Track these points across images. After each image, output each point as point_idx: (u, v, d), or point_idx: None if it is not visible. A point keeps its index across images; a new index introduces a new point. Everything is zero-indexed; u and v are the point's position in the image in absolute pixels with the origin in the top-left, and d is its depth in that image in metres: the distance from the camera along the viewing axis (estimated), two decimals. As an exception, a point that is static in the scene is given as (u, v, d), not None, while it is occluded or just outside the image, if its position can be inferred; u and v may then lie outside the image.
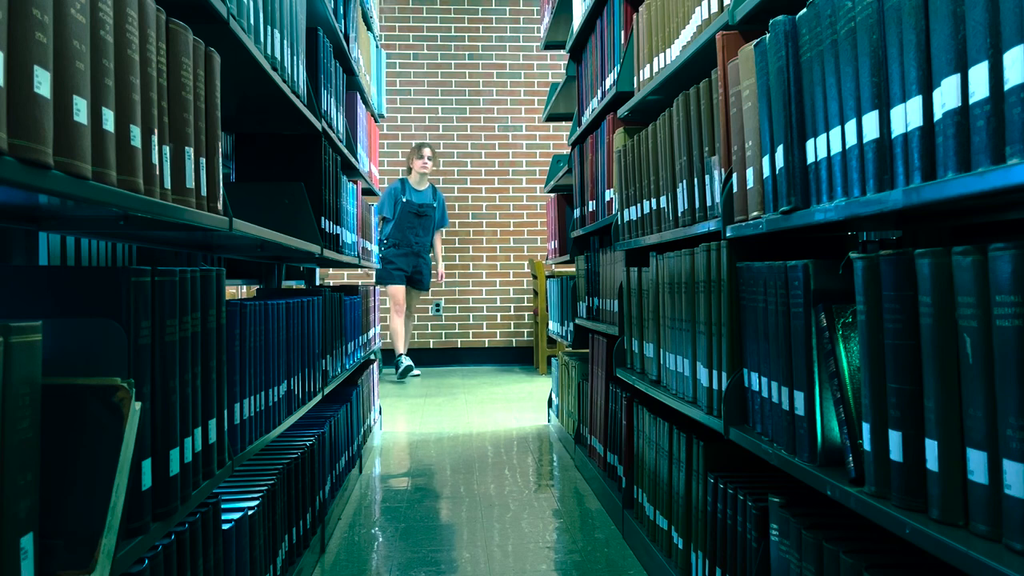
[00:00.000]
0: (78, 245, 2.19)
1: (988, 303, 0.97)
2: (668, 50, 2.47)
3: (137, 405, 1.10)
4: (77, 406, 1.07)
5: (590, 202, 3.80)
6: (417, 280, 7.28)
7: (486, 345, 8.19)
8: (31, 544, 0.92)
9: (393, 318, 7.21)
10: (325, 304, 2.99)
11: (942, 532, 1.02)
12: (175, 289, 1.36)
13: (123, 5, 1.15)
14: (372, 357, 4.83)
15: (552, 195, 5.62)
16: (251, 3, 2.00)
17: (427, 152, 7.31)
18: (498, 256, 8.22)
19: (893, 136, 1.13)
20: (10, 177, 0.86)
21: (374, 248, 5.23)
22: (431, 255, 7.41)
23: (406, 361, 7.24)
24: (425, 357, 7.99)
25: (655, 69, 2.61)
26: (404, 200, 7.11)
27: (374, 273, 7.20)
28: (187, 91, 1.42)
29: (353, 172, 4.31)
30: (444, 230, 7.70)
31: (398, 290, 7.16)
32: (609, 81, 3.36)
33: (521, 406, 5.72)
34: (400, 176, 7.43)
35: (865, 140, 1.20)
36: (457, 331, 8.15)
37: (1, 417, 0.88)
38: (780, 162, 1.49)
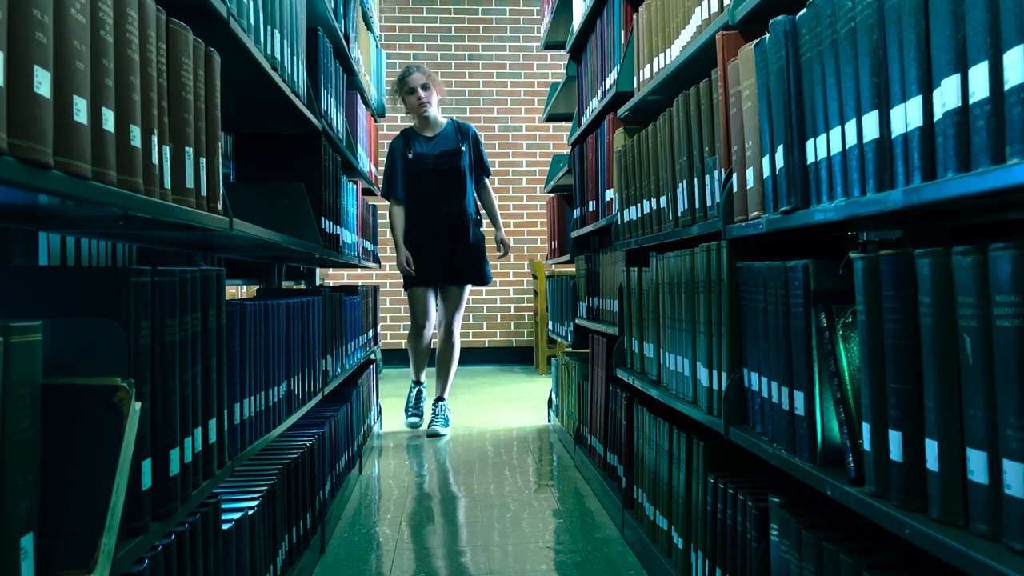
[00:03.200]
0: (78, 245, 2.19)
1: (988, 303, 0.97)
2: (668, 50, 2.46)
3: (137, 405, 1.10)
4: (77, 406, 1.07)
5: (590, 202, 3.80)
6: (462, 271, 4.73)
7: (486, 345, 8.19)
8: (31, 544, 0.92)
9: (409, 336, 4.91)
10: (325, 304, 2.99)
11: (942, 532, 1.02)
12: (175, 289, 1.36)
13: (123, 5, 1.15)
14: (372, 357, 4.83)
15: (552, 195, 5.62)
16: (251, 3, 2.00)
17: (416, 80, 4.69)
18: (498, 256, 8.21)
19: (893, 136, 1.13)
20: (10, 177, 0.87)
21: (375, 248, 5.22)
22: (478, 225, 4.79)
23: (411, 416, 4.92)
24: (425, 357, 7.98)
25: (655, 69, 2.61)
26: (412, 156, 4.63)
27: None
28: (187, 91, 1.42)
29: (353, 172, 4.31)
30: (489, 180, 4.93)
31: (416, 295, 4.77)
32: (609, 81, 3.36)
33: (521, 406, 5.72)
34: (403, 130, 4.86)
35: (865, 140, 1.20)
36: (457, 331, 8.14)
37: (1, 417, 0.88)
38: (780, 162, 1.49)
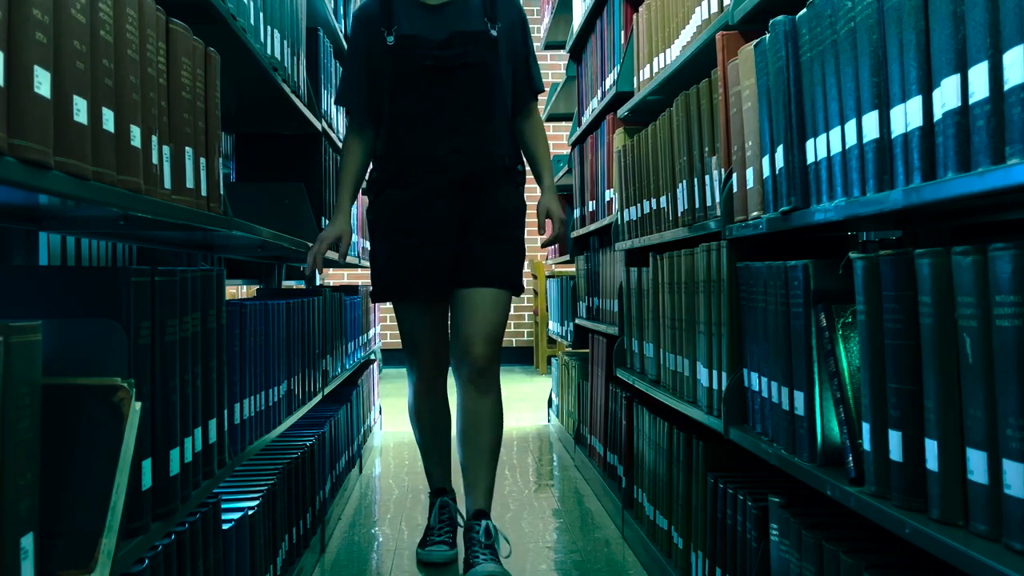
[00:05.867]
0: (78, 245, 2.19)
1: (988, 303, 0.97)
2: (668, 50, 2.46)
3: (137, 405, 1.10)
4: (77, 406, 1.07)
5: (590, 202, 3.80)
6: (487, 261, 2.49)
7: (486, 345, 8.17)
8: (31, 544, 0.92)
9: (409, 398, 2.68)
10: (325, 304, 2.99)
11: (942, 532, 1.02)
12: (175, 289, 1.36)
13: (123, 5, 1.15)
14: (372, 357, 4.83)
15: (552, 195, 5.61)
16: (251, 3, 2.00)
17: None
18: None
19: (893, 136, 1.13)
20: (10, 177, 0.87)
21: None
22: (515, 180, 2.58)
23: (432, 544, 2.61)
24: (425, 357, 7.95)
25: (655, 69, 2.61)
26: (393, 41, 2.45)
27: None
28: (187, 91, 1.42)
29: (353, 172, 4.30)
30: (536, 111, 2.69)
31: (407, 320, 2.57)
32: (609, 81, 3.36)
33: (521, 406, 5.72)
34: None
35: (865, 140, 1.20)
36: (457, 331, 8.12)
37: (1, 417, 0.88)
38: (780, 162, 1.49)
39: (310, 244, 2.69)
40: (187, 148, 1.42)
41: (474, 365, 2.44)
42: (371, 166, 2.59)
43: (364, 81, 2.52)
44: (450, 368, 2.60)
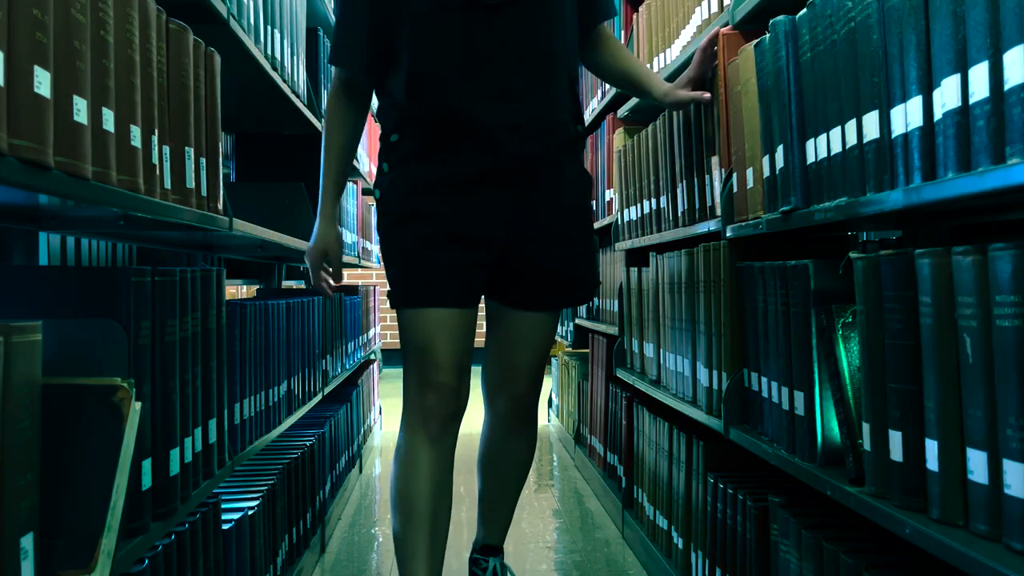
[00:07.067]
0: (78, 245, 2.19)
1: (988, 303, 0.97)
2: (668, 50, 2.46)
3: (137, 405, 1.10)
4: (77, 406, 1.07)
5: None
6: (533, 282, 1.89)
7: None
8: (31, 544, 0.92)
9: (400, 445, 1.84)
10: (325, 304, 2.99)
11: (942, 532, 1.02)
12: (175, 289, 1.36)
13: (123, 5, 1.15)
14: (372, 357, 4.83)
15: (552, 195, 5.60)
16: (251, 3, 2.00)
17: None
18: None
19: (893, 136, 1.13)
20: (10, 177, 0.87)
21: (375, 248, 5.20)
22: (577, 147, 1.91)
23: None
24: (425, 357, 7.92)
25: (655, 69, 2.61)
26: None
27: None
28: (187, 91, 1.42)
29: (353, 172, 4.31)
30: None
31: (422, 325, 1.79)
32: (609, 81, 3.36)
33: (521, 406, 5.71)
34: None
35: (865, 140, 1.20)
36: (457, 331, 8.09)
37: (1, 417, 0.88)
38: (780, 162, 1.49)
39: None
40: (187, 148, 1.42)
41: (514, 402, 2.01)
42: (389, 129, 1.87)
43: (365, 30, 1.84)
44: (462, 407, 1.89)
